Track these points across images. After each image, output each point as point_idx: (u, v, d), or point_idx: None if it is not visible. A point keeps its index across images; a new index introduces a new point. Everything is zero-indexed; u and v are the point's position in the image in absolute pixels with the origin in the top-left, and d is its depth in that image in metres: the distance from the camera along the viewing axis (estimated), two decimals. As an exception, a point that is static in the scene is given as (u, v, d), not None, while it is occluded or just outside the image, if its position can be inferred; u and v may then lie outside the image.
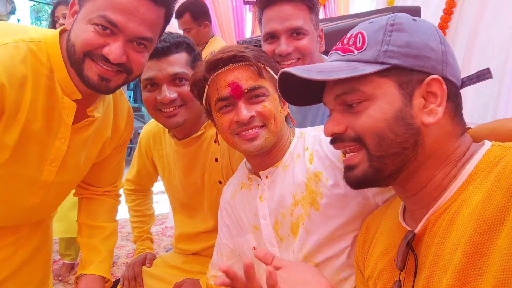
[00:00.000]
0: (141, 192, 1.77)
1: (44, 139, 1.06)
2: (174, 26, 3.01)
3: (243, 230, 1.17)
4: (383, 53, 0.71)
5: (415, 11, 2.03)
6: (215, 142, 1.21)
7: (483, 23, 2.20)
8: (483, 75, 0.74)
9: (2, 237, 1.23)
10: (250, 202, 1.14)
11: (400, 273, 0.75)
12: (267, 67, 1.07)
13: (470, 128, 0.79)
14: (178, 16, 2.91)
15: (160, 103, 1.26)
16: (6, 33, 0.99)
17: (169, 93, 1.24)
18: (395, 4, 2.81)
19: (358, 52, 0.74)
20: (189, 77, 1.17)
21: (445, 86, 0.70)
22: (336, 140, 0.78)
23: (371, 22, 0.76)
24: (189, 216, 1.55)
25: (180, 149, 1.43)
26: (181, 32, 2.93)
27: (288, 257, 1.07)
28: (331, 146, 0.81)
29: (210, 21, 3.05)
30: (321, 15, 4.88)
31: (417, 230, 0.73)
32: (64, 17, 2.63)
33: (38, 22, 12.45)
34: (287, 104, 1.10)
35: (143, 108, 6.77)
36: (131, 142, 4.61)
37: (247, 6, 5.15)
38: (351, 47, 0.75)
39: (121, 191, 1.53)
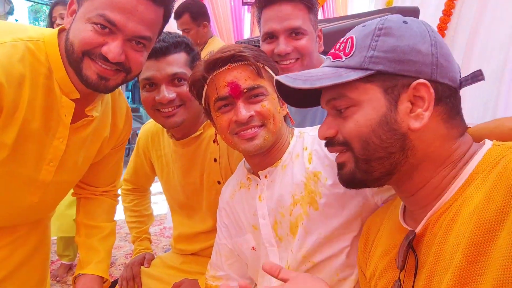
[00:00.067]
0: (139, 192, 1.77)
1: (42, 138, 1.06)
2: (173, 27, 3.01)
3: (242, 230, 1.17)
4: (368, 59, 0.71)
5: (413, 12, 2.02)
6: (214, 142, 1.21)
7: (483, 23, 2.20)
8: (476, 76, 0.74)
9: (0, 237, 1.22)
10: (249, 202, 1.13)
11: (400, 273, 0.75)
12: (266, 67, 1.07)
13: (469, 127, 0.79)
14: (177, 17, 2.91)
15: (159, 103, 1.26)
16: (4, 32, 0.99)
17: (167, 93, 1.24)
18: (393, 5, 2.80)
19: (345, 58, 0.75)
20: (188, 77, 1.17)
21: (432, 90, 0.69)
22: (327, 143, 0.80)
23: (364, 25, 0.76)
24: (188, 216, 1.54)
25: (178, 149, 1.43)
26: (180, 32, 2.93)
27: (287, 256, 1.07)
28: None
29: (209, 21, 3.06)
30: (320, 16, 4.90)
31: (417, 230, 0.73)
32: (62, 18, 2.63)
33: (36, 22, 12.42)
34: (286, 104, 1.10)
35: (141, 109, 6.78)
36: (129, 143, 4.62)
37: (246, 6, 5.16)
38: (340, 53, 0.76)
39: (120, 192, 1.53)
